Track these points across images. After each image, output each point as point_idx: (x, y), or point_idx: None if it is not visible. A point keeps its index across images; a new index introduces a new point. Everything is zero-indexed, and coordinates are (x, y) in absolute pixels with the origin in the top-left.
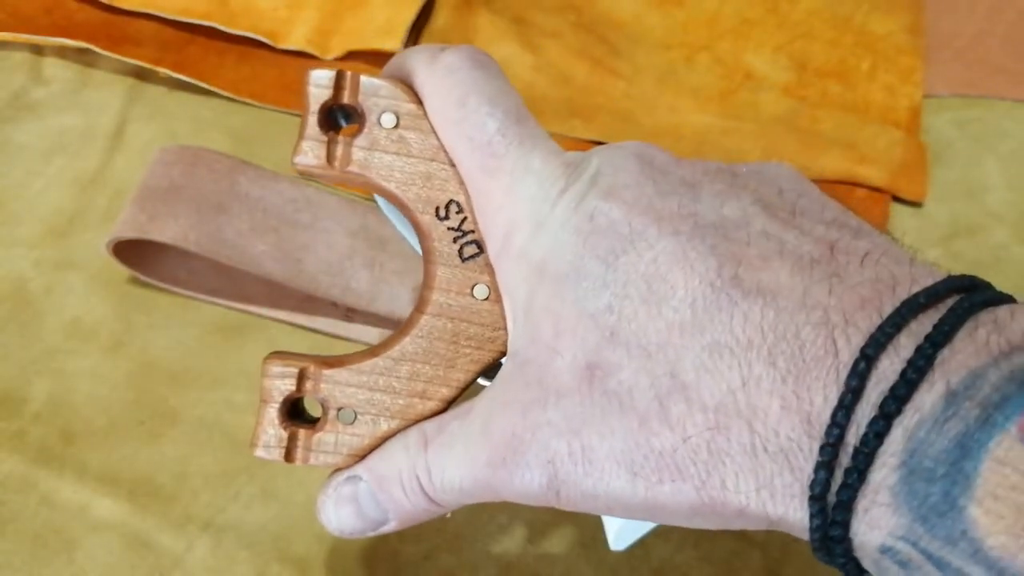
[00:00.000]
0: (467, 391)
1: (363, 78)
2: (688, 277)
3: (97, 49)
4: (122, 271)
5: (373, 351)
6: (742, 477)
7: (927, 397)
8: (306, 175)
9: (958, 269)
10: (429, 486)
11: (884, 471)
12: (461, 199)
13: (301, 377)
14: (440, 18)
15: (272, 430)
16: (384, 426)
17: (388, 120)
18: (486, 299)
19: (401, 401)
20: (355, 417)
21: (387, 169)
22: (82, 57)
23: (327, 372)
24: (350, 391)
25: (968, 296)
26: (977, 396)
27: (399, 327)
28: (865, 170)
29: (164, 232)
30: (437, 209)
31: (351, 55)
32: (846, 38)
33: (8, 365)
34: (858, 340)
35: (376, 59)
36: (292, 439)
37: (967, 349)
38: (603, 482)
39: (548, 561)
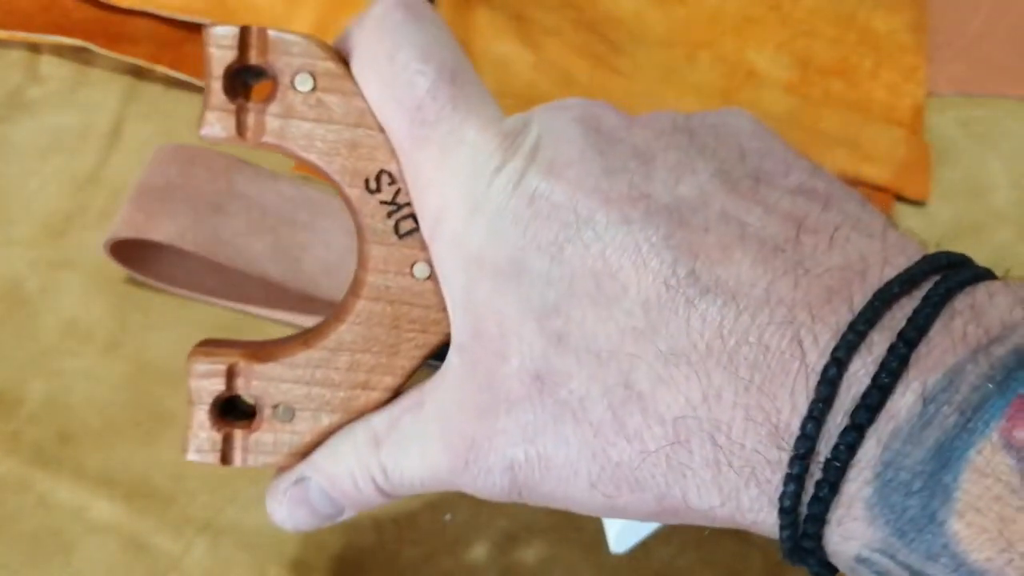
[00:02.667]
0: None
1: (271, 32)
2: (641, 274)
3: (94, 47)
4: (119, 271)
5: (306, 340)
6: (705, 491)
7: (902, 402)
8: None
9: None
10: (385, 484)
11: (858, 483)
12: (393, 168)
13: (230, 375)
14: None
15: (204, 433)
16: (326, 421)
17: (304, 82)
18: (428, 278)
19: (342, 393)
20: (293, 414)
21: (306, 138)
22: (79, 55)
23: (258, 367)
24: (285, 387)
25: (944, 279)
26: (955, 399)
27: (332, 312)
28: (868, 169)
29: (161, 232)
30: (367, 181)
31: None
32: (849, 36)
33: (4, 365)
34: (827, 339)
35: None
36: (227, 440)
37: (943, 343)
38: (561, 488)
39: (548, 564)
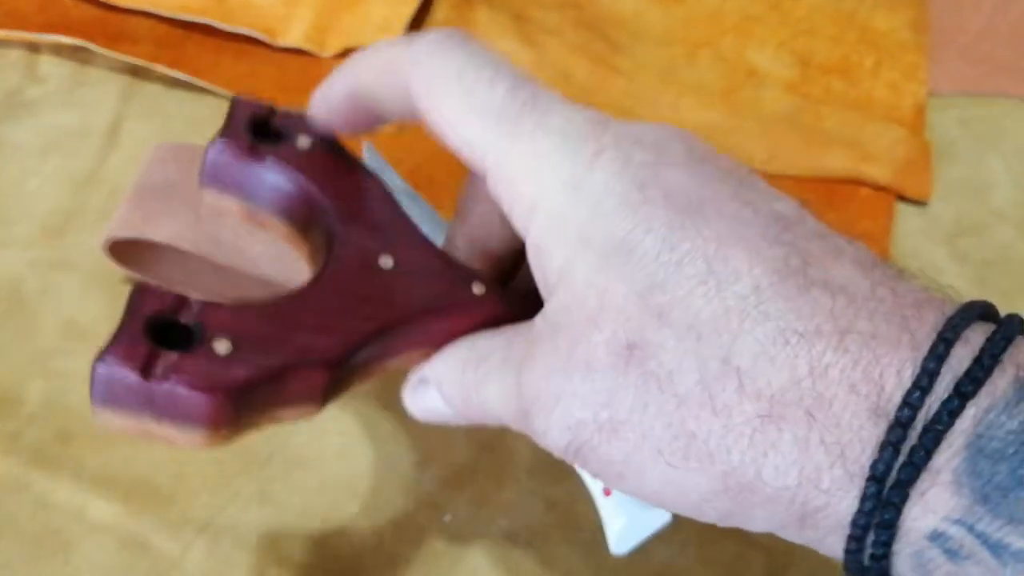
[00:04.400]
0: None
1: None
2: (754, 262)
3: (93, 46)
4: (118, 271)
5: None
6: (784, 469)
7: (1000, 382)
8: None
9: (964, 268)
10: (474, 407)
11: (948, 452)
12: None
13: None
14: (439, 14)
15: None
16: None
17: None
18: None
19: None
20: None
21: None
22: (78, 55)
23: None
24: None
25: (1012, 315)
26: None
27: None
28: (869, 168)
29: (160, 232)
30: None
31: (349, 52)
32: (849, 35)
33: (3, 366)
34: (929, 328)
35: None
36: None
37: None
38: (624, 452)
39: (549, 564)
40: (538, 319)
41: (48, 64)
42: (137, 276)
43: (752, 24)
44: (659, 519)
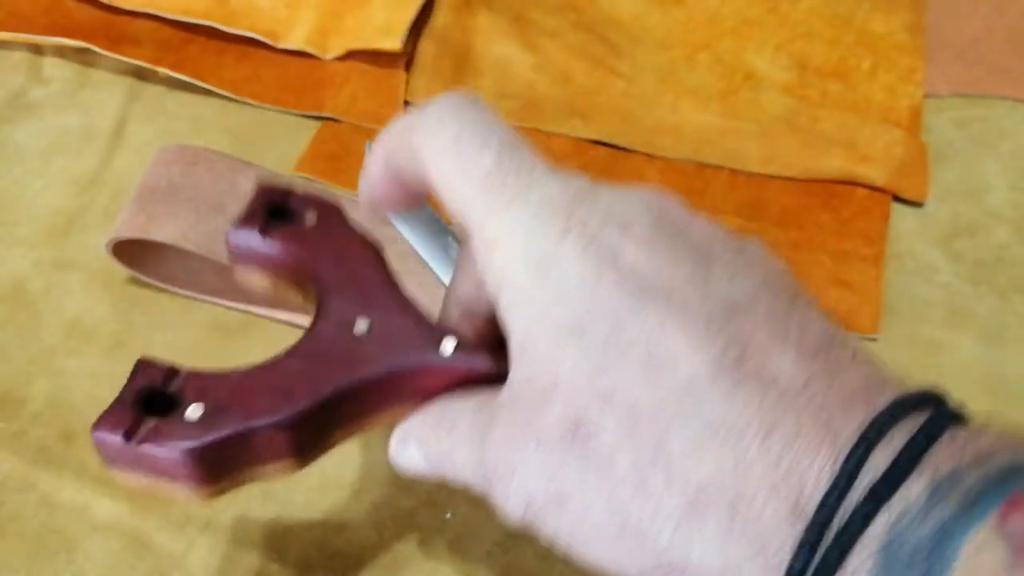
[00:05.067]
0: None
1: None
2: (693, 352)
3: (96, 48)
4: (122, 271)
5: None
6: (709, 555)
7: (914, 487)
8: None
9: (960, 268)
10: (444, 469)
11: (863, 555)
12: None
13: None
14: (440, 18)
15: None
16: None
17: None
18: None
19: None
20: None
21: None
22: (81, 57)
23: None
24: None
25: (939, 404)
26: (959, 489)
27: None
28: (866, 170)
29: (164, 232)
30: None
31: (350, 54)
32: (846, 38)
33: (8, 365)
34: (854, 428)
35: (376, 59)
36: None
37: (948, 450)
38: (569, 525)
39: (548, 562)
40: (504, 389)
41: (52, 66)
42: (141, 276)
43: (750, 27)
44: None
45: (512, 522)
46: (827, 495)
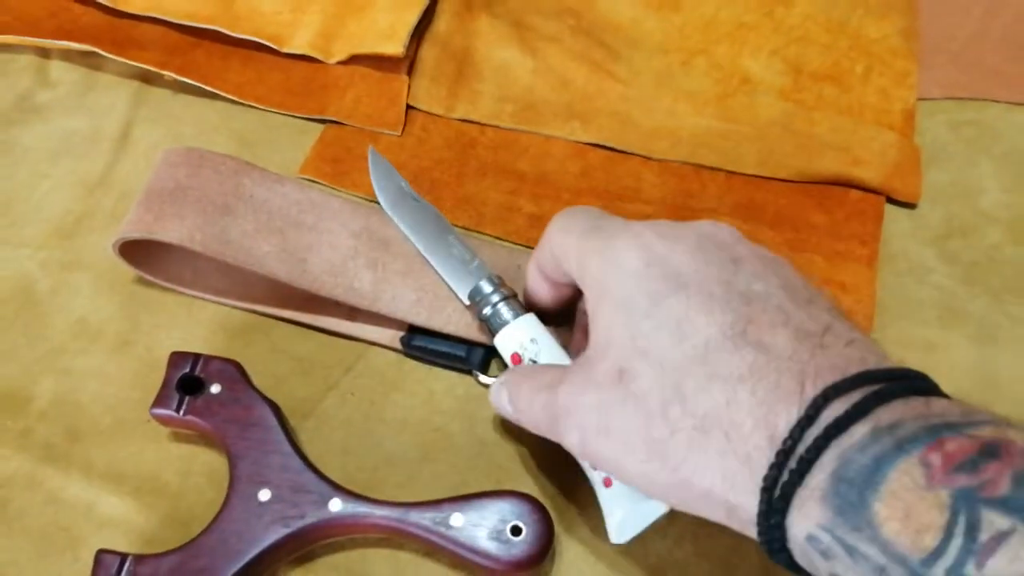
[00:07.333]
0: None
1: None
2: (708, 324)
3: (103, 52)
4: (128, 271)
5: None
6: (710, 470)
7: (860, 429)
8: None
9: (953, 268)
10: (528, 415)
11: (820, 476)
12: None
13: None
14: (441, 23)
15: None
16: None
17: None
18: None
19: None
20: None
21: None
22: (88, 60)
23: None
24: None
25: (912, 381)
26: (895, 435)
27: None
28: (860, 172)
29: (170, 233)
30: None
31: (354, 59)
32: (841, 42)
33: (15, 364)
34: (821, 385)
35: (378, 63)
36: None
37: (900, 408)
38: (611, 450)
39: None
40: (575, 360)
41: (59, 69)
42: (147, 276)
43: (746, 32)
44: (655, 511)
45: (572, 450)
46: (793, 429)
